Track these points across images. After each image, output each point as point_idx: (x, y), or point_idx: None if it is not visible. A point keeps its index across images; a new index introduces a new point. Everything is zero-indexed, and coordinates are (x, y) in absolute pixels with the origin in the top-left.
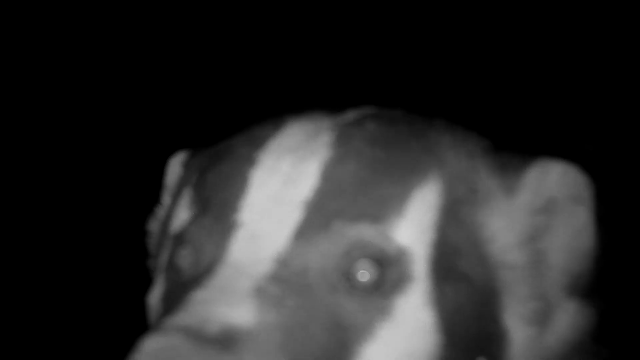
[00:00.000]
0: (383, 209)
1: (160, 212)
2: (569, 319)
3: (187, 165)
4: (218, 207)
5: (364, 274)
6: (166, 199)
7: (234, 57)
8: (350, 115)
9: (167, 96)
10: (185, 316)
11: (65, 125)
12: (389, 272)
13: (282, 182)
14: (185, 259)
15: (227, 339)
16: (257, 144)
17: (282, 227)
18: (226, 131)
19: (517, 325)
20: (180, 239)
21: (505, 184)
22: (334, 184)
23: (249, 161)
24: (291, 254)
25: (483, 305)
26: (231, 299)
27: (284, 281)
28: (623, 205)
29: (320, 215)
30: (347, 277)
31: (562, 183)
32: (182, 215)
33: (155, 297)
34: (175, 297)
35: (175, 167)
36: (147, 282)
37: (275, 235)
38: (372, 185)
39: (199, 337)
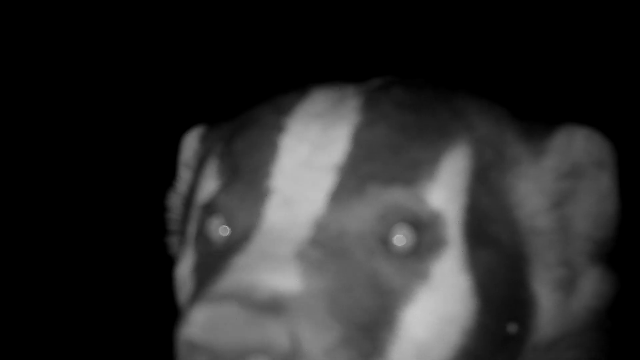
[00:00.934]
0: (415, 172)
1: (180, 186)
2: (593, 286)
3: (205, 139)
4: (248, 174)
5: (401, 238)
6: (184, 173)
7: (243, 43)
8: (374, 82)
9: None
10: (230, 283)
11: (73, 113)
12: (424, 236)
13: (312, 148)
14: (216, 228)
15: (277, 306)
16: (283, 111)
17: (316, 192)
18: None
19: (544, 292)
20: (209, 208)
21: (532, 149)
22: (365, 148)
23: (276, 128)
24: (328, 218)
25: (513, 271)
26: (274, 264)
27: (324, 245)
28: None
29: (353, 179)
30: (385, 241)
31: (587, 148)
32: (209, 185)
33: (184, 269)
34: (210, 267)
35: (191, 141)
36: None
37: (310, 200)
38: (403, 149)
39: (250, 304)
